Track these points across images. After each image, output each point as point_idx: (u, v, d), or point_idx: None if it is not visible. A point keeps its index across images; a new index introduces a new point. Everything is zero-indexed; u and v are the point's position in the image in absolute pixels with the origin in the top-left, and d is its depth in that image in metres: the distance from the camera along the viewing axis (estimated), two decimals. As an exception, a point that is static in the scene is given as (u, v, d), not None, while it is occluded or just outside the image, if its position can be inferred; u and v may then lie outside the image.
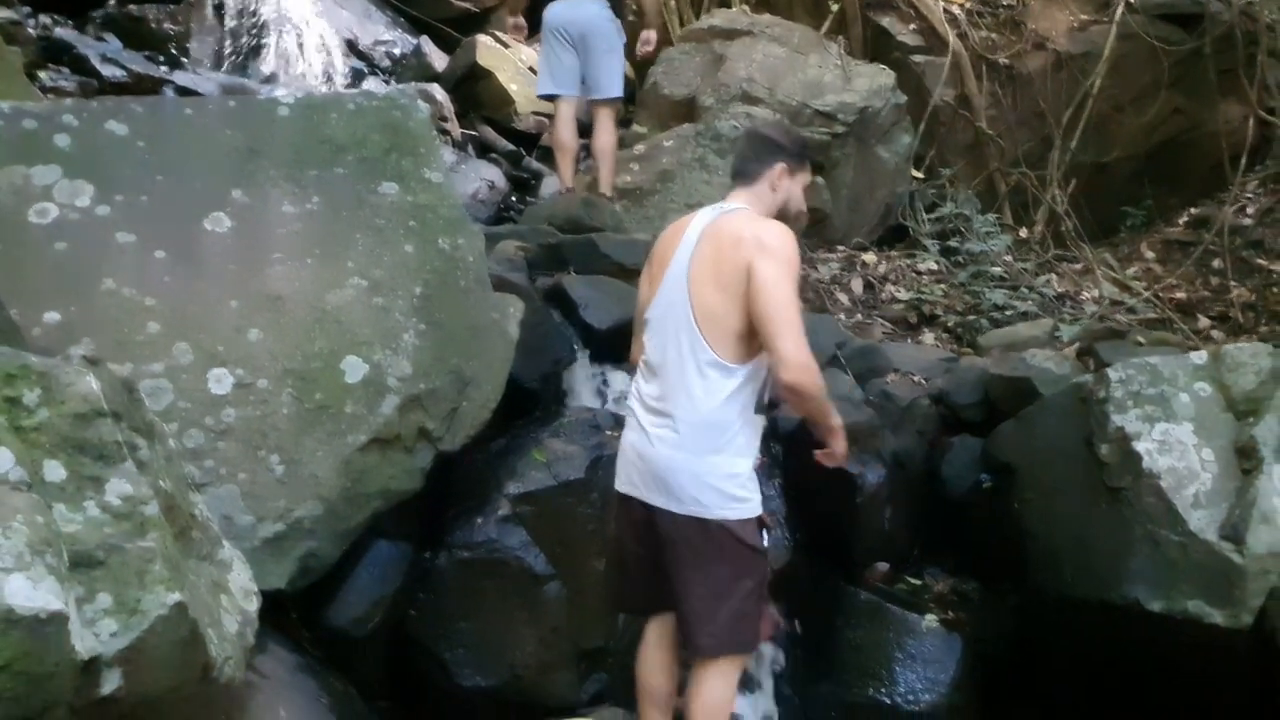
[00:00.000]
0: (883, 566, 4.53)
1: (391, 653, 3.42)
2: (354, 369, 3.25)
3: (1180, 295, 6.84)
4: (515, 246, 4.73)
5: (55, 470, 1.97)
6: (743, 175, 3.23)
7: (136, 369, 3.05)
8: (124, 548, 1.96)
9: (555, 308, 4.36)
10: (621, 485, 3.10)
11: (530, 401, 3.95)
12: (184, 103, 3.58)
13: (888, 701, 4.06)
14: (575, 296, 4.36)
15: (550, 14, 6.02)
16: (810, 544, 4.40)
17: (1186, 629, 3.58)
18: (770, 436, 4.61)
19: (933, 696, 4.06)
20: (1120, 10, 7.81)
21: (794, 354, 2.88)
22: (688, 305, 3.00)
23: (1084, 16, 8.00)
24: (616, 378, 4.29)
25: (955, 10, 7.84)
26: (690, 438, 2.95)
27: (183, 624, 1.99)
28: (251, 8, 8.69)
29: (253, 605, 2.62)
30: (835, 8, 7.76)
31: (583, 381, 4.22)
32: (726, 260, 2.98)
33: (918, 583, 4.58)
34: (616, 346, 4.41)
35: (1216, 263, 7.09)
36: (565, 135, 6.12)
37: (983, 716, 4.19)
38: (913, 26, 7.78)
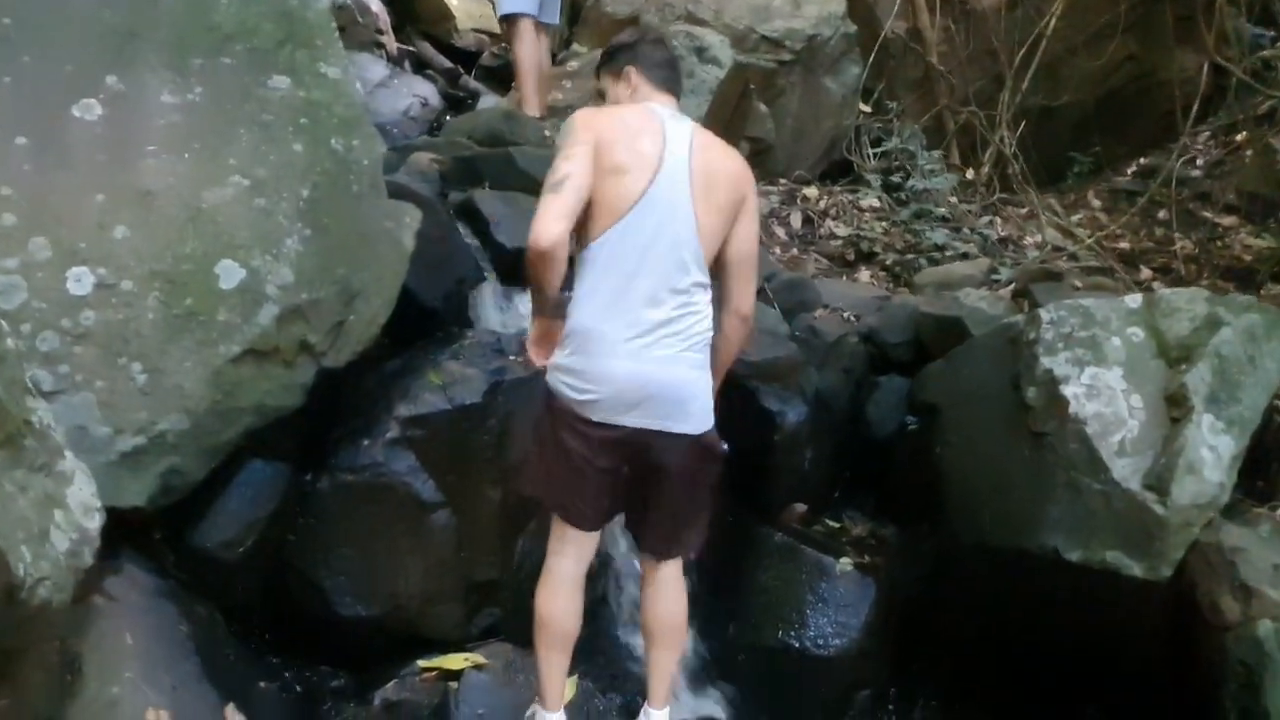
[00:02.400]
0: (800, 508, 4.39)
1: (267, 578, 3.20)
2: (229, 274, 3.00)
3: (1124, 245, 6.72)
4: (429, 159, 4.47)
5: None
6: (674, 85, 3.20)
7: (-13, 264, 2.81)
8: (-95, 451, 1.73)
9: (465, 224, 4.11)
10: (607, 415, 2.83)
11: (431, 321, 3.71)
12: (59, -22, 3.28)
13: (796, 645, 3.92)
14: (486, 213, 4.11)
15: None
16: (723, 482, 4.22)
17: (1104, 580, 3.46)
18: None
19: (843, 641, 3.94)
20: (1080, -51, 7.59)
21: (754, 297, 3.10)
22: (691, 217, 2.90)
23: (1043, -47, 7.77)
24: (525, 300, 4.05)
25: (912, -60, 7.58)
26: (701, 357, 2.94)
27: (-28, 539, 1.76)
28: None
29: (94, 523, 2.41)
30: (788, -68, 7.46)
31: (489, 303, 3.97)
32: (725, 188, 2.97)
33: (836, 525, 4.45)
34: (529, 267, 4.20)
35: (1162, 214, 6.98)
36: (534, 56, 5.88)
37: (893, 662, 4.07)
38: (867, -45, 7.52)
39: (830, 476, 4.50)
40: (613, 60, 3.22)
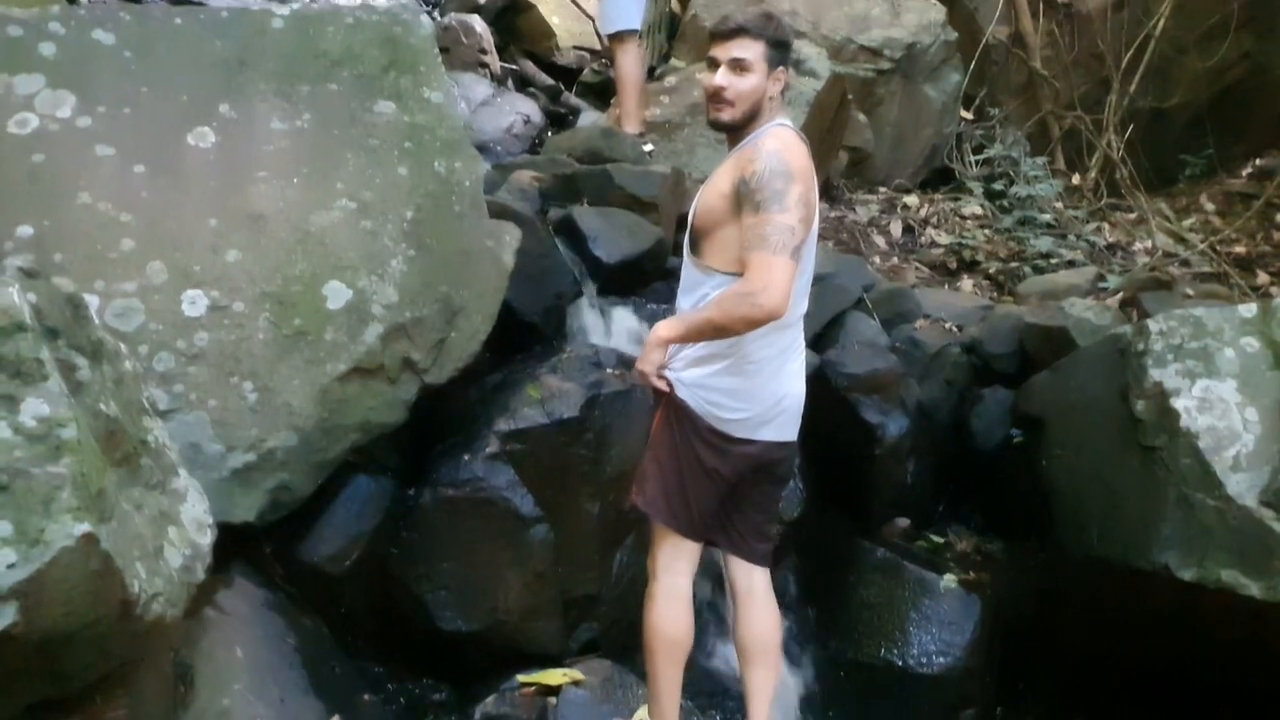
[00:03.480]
0: (902, 522, 4.33)
1: (371, 592, 3.27)
2: (336, 294, 3.09)
3: (1240, 249, 6.51)
4: (530, 176, 4.53)
5: (-35, 388, 1.83)
6: None
7: (108, 287, 2.94)
8: (31, 472, 1.81)
9: (564, 239, 4.16)
10: (749, 431, 2.84)
11: (530, 336, 3.77)
12: (174, 11, 3.40)
13: (899, 663, 3.87)
14: (585, 228, 4.15)
15: None
16: (825, 496, 4.21)
17: (1219, 599, 3.34)
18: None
19: (947, 660, 3.87)
20: (1190, -54, 7.38)
21: None
22: (817, 235, 2.92)
23: (1151, -48, 7.57)
24: (622, 314, 4.09)
25: (1013, -56, 7.46)
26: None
27: (93, 557, 1.84)
28: (288, -72, 8.49)
29: (206, 538, 2.49)
30: (886, -61, 7.39)
31: (588, 317, 4.01)
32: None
33: (940, 540, 4.38)
34: (626, 281, 4.22)
35: (1280, 217, 6.75)
36: (638, 72, 5.93)
37: (999, 681, 4.00)
38: (967, -40, 7.42)
39: (933, 490, 4.43)
40: (786, 55, 2.88)
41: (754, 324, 2.66)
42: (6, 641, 1.75)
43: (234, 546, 2.87)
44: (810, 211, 2.74)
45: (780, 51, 2.82)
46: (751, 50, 2.77)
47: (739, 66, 2.77)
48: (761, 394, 2.82)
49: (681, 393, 2.85)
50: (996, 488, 4.33)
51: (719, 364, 2.80)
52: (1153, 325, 3.72)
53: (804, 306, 2.91)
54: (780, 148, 2.71)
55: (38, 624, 1.78)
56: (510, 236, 3.39)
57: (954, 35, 7.04)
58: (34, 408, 1.89)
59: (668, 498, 2.92)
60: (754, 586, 3.07)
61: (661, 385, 2.87)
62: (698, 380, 2.83)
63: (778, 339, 2.82)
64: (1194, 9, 7.37)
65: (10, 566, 1.74)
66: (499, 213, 3.59)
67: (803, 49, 5.84)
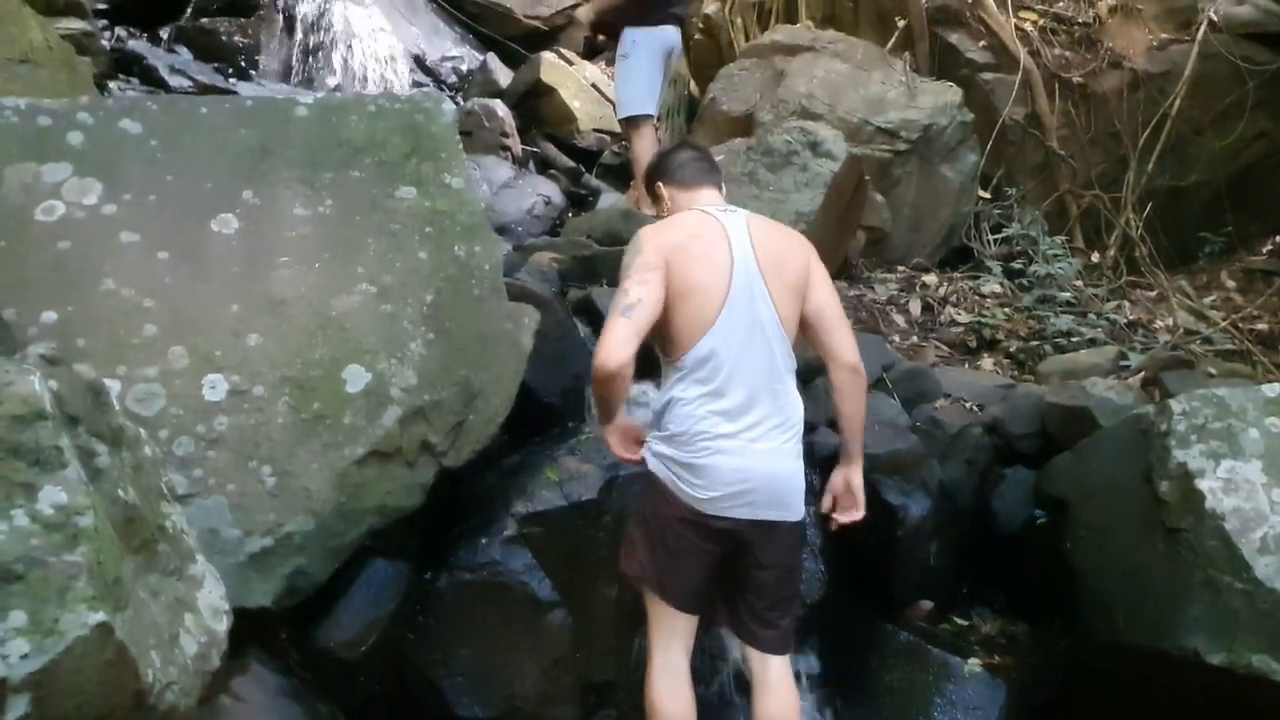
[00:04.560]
0: (926, 605, 4.27)
1: (387, 678, 3.24)
2: (356, 378, 3.11)
3: (1262, 326, 6.48)
4: (549, 258, 4.59)
5: (-16, 475, 1.84)
6: (712, 178, 3.27)
7: (130, 372, 2.96)
8: (47, 561, 1.81)
9: (583, 320, 4.18)
10: (719, 508, 2.90)
11: (549, 417, 3.78)
12: (200, 101, 3.49)
13: (923, 750, 3.80)
14: (603, 309, 4.15)
15: (664, 34, 6.08)
16: (847, 578, 4.16)
17: (1250, 684, 3.28)
18: (808, 461, 4.40)
19: (973, 745, 3.79)
20: (1203, 29, 7.46)
21: (854, 343, 3.14)
22: (771, 309, 2.96)
23: (1164, 35, 7.65)
24: (640, 393, 4.09)
25: (1027, 27, 7.56)
26: (799, 446, 3.02)
27: (106, 646, 1.83)
28: (321, 21, 8.74)
29: (222, 625, 2.47)
30: (901, 24, 7.52)
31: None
32: (791, 266, 3.04)
33: (964, 623, 4.31)
34: (645, 361, 4.23)
35: (1303, 293, 6.72)
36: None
37: (1026, 770, 3.91)
38: (982, 44, 7.52)
39: (956, 572, 4.37)
40: (649, 189, 3.38)
41: (594, 383, 2.97)
42: (18, 733, 1.74)
43: (250, 632, 2.84)
44: (683, 282, 2.92)
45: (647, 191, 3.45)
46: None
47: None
48: (723, 474, 2.87)
49: (652, 464, 2.97)
50: (1020, 570, 4.27)
51: (675, 444, 2.91)
52: (1175, 405, 3.69)
53: (753, 383, 2.91)
54: (644, 232, 3.10)
55: (50, 715, 1.77)
56: (529, 319, 3.41)
57: (970, 116, 7.11)
58: (52, 495, 1.90)
59: (655, 566, 2.97)
60: (768, 675, 3.04)
61: (632, 458, 3.05)
62: (663, 453, 2.95)
63: (735, 416, 2.88)
64: (1209, 89, 7.43)
65: (24, 657, 1.73)
66: (518, 294, 3.62)
67: (819, 131, 5.90)
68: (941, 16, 7.56)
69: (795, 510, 3.00)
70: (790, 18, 8.54)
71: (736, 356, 2.91)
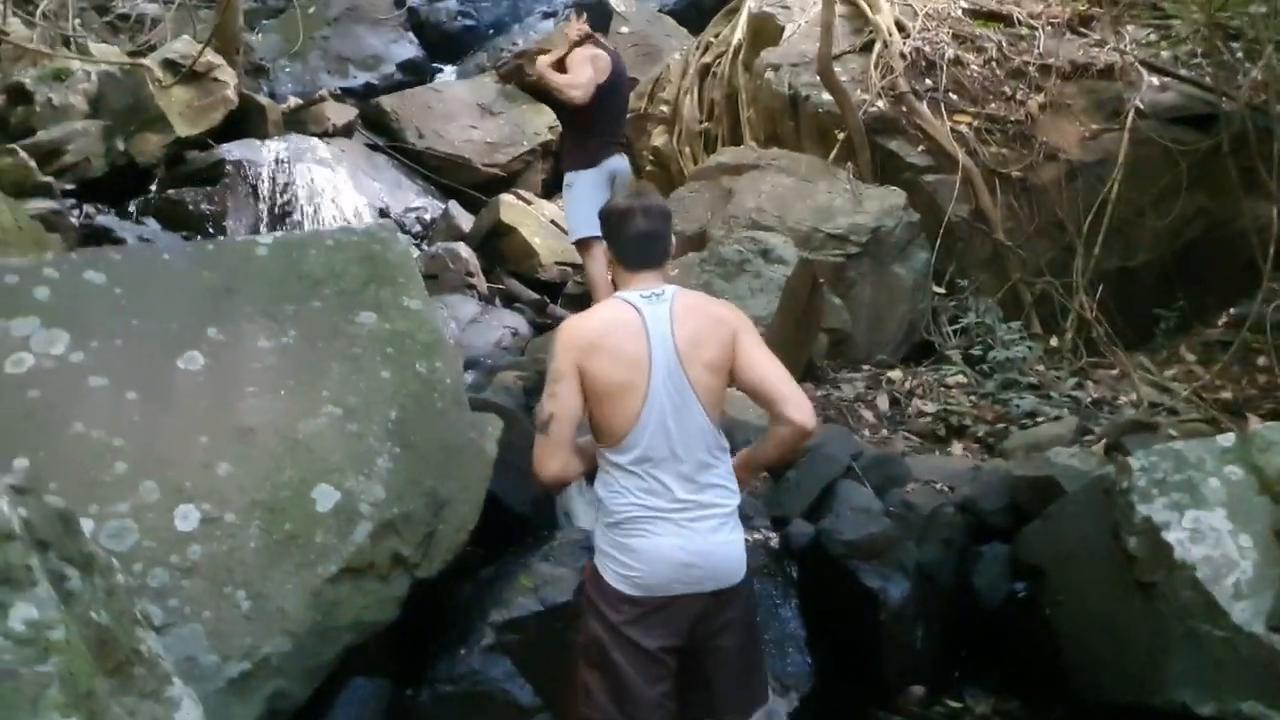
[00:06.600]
0: (917, 690, 4.24)
1: (374, 799, 3.21)
2: (325, 497, 3.16)
3: (1226, 395, 6.58)
4: (514, 376, 4.69)
5: (-46, 595, 1.88)
6: (654, 258, 3.14)
7: (102, 510, 3.00)
8: (19, 672, 1.84)
9: (550, 433, 4.24)
10: (658, 589, 2.88)
11: (522, 527, 3.82)
12: (162, 248, 3.61)
13: (927, 836, 3.74)
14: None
15: (614, 164, 6.31)
16: (835, 668, 4.15)
17: (1246, 733, 3.28)
18: (784, 554, 4.43)
19: (975, 828, 3.74)
20: (1130, 118, 7.76)
21: (801, 394, 3.05)
22: (693, 396, 2.95)
23: (1094, 126, 7.94)
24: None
25: (963, 129, 7.82)
26: (733, 519, 3.00)
27: (80, 754, 1.85)
28: (285, 183, 8.98)
29: (201, 746, 2.47)
30: (841, 136, 7.79)
31: (578, 502, 4.06)
32: (711, 342, 3.01)
33: (958, 705, 4.28)
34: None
35: (1262, 360, 6.84)
36: (605, 273, 6.16)
37: None
38: (921, 148, 7.76)
39: (944, 653, 4.36)
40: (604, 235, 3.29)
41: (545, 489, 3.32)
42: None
43: (232, 758, 2.83)
44: (600, 384, 2.93)
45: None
46: None
47: None
48: (664, 553, 2.87)
49: (596, 559, 2.99)
50: (1007, 644, 4.27)
51: (612, 532, 2.94)
52: (1134, 462, 3.77)
53: (686, 467, 2.93)
54: (560, 331, 3.13)
55: (23, 827, 1.78)
56: (493, 427, 3.48)
57: (916, 216, 7.31)
58: (23, 612, 1.93)
59: (613, 702, 2.89)
60: None
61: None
62: (601, 548, 2.98)
63: (670, 498, 2.90)
64: (1144, 173, 7.67)
65: (-4, 767, 1.75)
66: (483, 408, 3.70)
67: (769, 239, 6.09)
68: (880, 126, 7.82)
69: (737, 575, 2.98)
70: (735, 141, 8.86)
71: (666, 444, 2.92)
